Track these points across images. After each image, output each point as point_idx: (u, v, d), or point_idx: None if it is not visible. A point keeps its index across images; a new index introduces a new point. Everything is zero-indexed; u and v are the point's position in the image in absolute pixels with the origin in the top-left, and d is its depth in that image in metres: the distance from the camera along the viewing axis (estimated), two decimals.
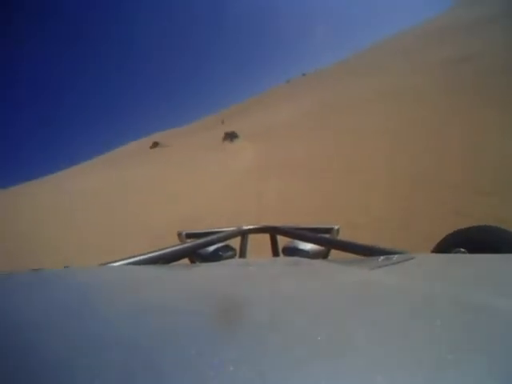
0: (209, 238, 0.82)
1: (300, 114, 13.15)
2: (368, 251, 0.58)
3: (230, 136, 16.08)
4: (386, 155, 4.80)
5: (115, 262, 0.51)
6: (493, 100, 5.37)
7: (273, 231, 1.00)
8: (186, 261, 0.80)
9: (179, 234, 0.95)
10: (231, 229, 0.96)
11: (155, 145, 28.26)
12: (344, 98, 12.07)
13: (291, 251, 0.86)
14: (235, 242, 0.96)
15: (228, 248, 0.91)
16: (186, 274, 0.43)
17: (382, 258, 0.43)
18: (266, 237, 1.02)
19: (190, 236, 0.95)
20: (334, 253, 0.81)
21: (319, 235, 0.87)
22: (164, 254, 0.62)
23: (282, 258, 0.88)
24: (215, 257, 0.85)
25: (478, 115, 4.97)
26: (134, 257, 0.55)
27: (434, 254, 0.63)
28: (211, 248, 0.86)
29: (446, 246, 0.68)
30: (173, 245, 0.70)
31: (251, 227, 1.00)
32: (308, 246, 0.85)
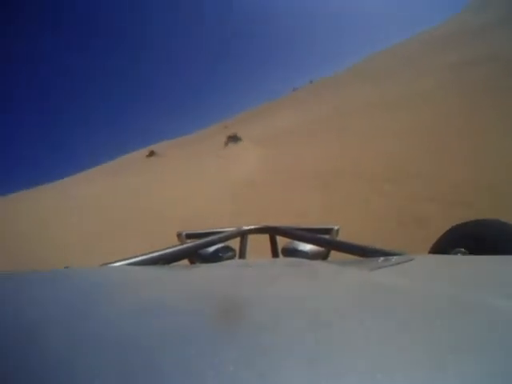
0: (209, 239, 0.82)
1: (308, 120, 13.04)
2: (368, 252, 0.58)
3: (233, 139, 16.04)
4: (392, 157, 4.80)
5: (115, 262, 0.51)
6: (500, 104, 5.34)
7: (272, 232, 0.99)
8: (186, 261, 0.80)
9: (179, 235, 0.94)
10: (231, 229, 0.95)
11: (151, 154, 28.10)
12: (351, 104, 12.00)
13: (291, 252, 0.86)
14: (235, 243, 0.95)
15: (228, 249, 0.90)
16: (185, 274, 0.43)
17: (381, 259, 0.43)
18: (266, 237, 1.01)
19: (189, 236, 0.94)
20: (333, 253, 0.80)
21: (319, 236, 0.86)
22: (164, 255, 0.62)
23: (281, 258, 0.88)
24: (215, 257, 0.84)
25: (484, 118, 5.00)
26: (134, 257, 0.56)
27: (434, 255, 0.62)
28: (211, 249, 0.85)
29: (445, 242, 0.68)
30: (173, 245, 0.70)
31: (251, 228, 1.00)
32: (307, 247, 0.85)
